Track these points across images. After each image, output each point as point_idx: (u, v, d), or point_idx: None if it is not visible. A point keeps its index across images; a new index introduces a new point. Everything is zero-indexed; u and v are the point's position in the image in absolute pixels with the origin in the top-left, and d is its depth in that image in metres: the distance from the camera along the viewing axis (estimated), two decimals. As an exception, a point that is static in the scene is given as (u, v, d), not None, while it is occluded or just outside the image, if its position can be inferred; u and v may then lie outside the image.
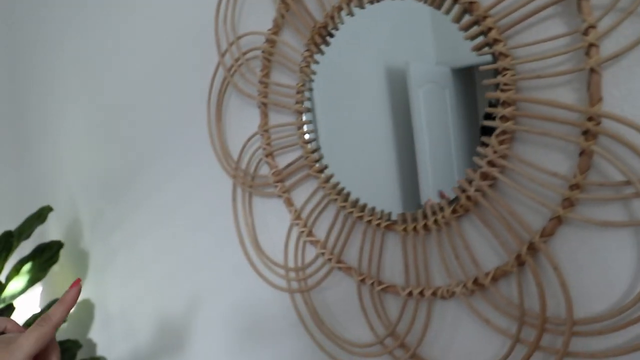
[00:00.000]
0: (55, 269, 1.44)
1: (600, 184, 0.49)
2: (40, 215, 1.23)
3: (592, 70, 0.48)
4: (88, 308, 1.50)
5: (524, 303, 0.56)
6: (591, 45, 0.47)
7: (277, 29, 0.78)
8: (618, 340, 0.51)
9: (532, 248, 0.54)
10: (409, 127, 0.76)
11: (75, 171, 1.45)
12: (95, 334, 1.50)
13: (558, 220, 0.53)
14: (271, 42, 0.79)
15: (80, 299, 1.45)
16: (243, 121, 0.88)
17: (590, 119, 0.48)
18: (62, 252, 1.30)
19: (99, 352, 1.49)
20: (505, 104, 0.54)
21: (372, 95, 0.75)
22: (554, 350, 0.55)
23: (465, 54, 0.71)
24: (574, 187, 0.51)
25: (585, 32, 0.47)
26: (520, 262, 0.56)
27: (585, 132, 0.49)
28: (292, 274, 0.84)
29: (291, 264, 0.83)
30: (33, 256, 1.25)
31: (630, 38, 0.47)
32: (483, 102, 0.72)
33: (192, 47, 0.93)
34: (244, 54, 0.83)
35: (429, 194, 0.68)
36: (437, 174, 0.73)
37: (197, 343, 1.08)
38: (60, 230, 1.53)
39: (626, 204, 0.49)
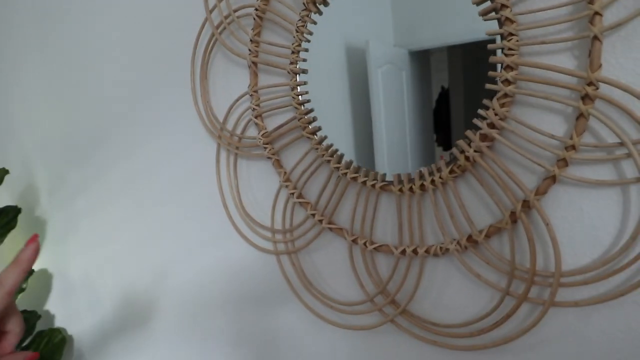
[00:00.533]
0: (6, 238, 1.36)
1: (594, 146, 0.53)
2: (-5, 178, 1.15)
3: (594, 38, 0.51)
4: (45, 278, 1.43)
5: (515, 258, 0.60)
6: (596, 13, 0.50)
7: (271, -14, 0.77)
8: (601, 289, 0.56)
9: (526, 206, 0.58)
10: (367, 105, 0.79)
11: (30, 131, 1.37)
12: (52, 306, 1.44)
13: (552, 180, 0.56)
14: (265, 0, 0.77)
15: (36, 268, 1.39)
16: (230, 81, 0.86)
17: (589, 84, 0.52)
18: (17, 221, 1.23)
19: (58, 323, 1.43)
20: (508, 67, 0.57)
21: (333, 68, 0.77)
22: (541, 301, 0.59)
23: (422, 37, 0.74)
24: (570, 148, 0.54)
25: (591, 1, 0.50)
26: (514, 220, 0.59)
27: (584, 97, 0.52)
28: (279, 236, 0.84)
29: (278, 227, 0.84)
30: (-13, 221, 1.17)
31: (629, 9, 0.50)
32: (437, 85, 0.77)
33: (176, 1, 0.89)
34: (235, 11, 0.81)
35: (384, 169, 0.72)
36: (392, 151, 0.76)
37: (174, 309, 1.06)
38: (13, 195, 1.45)
39: (616, 165, 0.53)
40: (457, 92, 0.80)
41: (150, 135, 1.02)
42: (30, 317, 1.33)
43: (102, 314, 1.29)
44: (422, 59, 0.77)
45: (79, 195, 1.26)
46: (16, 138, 1.41)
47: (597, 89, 0.52)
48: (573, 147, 0.54)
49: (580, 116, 0.53)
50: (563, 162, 0.55)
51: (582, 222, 0.56)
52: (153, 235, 1.08)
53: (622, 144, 0.51)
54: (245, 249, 0.90)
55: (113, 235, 1.19)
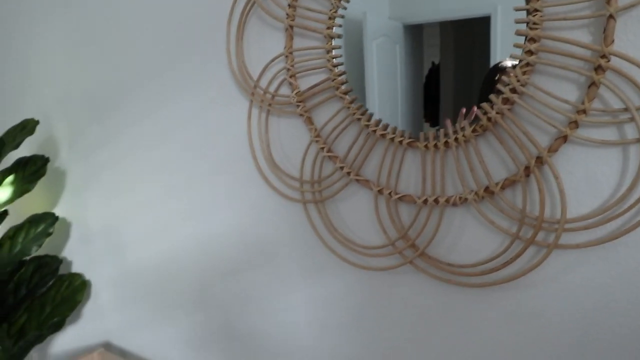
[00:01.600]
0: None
1: (602, 110, 0.62)
2: (25, 127, 1.20)
3: (610, 17, 0.59)
4: (64, 227, 1.50)
5: (526, 206, 0.70)
6: (613, -6, 0.58)
7: (311, -47, 0.82)
8: (599, 233, 0.66)
9: (539, 161, 0.67)
10: (361, 76, 0.85)
11: (49, 85, 1.40)
12: (70, 253, 1.51)
13: (563, 139, 0.65)
14: (304, -34, 0.83)
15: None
16: (265, 43, 0.92)
17: (602, 56, 0.60)
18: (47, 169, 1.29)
19: (75, 269, 1.51)
20: (532, 40, 0.65)
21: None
22: (546, 244, 0.69)
23: (417, 11, 0.79)
24: (581, 112, 0.63)
25: (610, -17, 0.58)
26: (527, 173, 0.69)
27: (597, 67, 0.61)
28: (307, 187, 0.92)
29: (306, 178, 0.92)
30: (15, 168, 1.23)
31: (642, -8, 0.58)
32: (428, 61, 0.84)
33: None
34: (274, -25, 0.86)
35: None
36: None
37: (203, 255, 1.15)
38: (32, 147, 1.49)
39: (620, 128, 0.62)
40: (447, 68, 0.86)
41: (181, 90, 1.08)
42: (53, 262, 1.41)
43: (120, 262, 1.37)
44: (415, 33, 0.84)
45: (101, 147, 1.31)
46: (36, 91, 1.45)
47: (609, 61, 0.60)
48: (584, 112, 0.63)
49: (592, 84, 0.62)
50: (574, 124, 0.64)
51: (586, 177, 0.66)
52: (179, 187, 1.16)
53: (626, 109, 0.60)
54: (273, 199, 0.98)
55: (136, 187, 1.26)
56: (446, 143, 0.74)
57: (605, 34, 0.60)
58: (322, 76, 0.86)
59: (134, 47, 1.15)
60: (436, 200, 0.77)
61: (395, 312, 0.88)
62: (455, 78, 0.84)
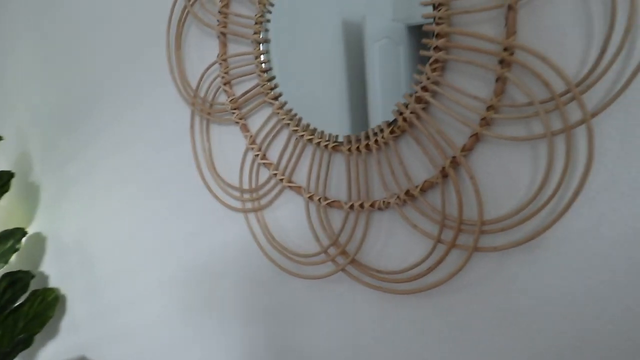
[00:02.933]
0: (2, 202, 1.45)
1: (510, 105, 0.59)
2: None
3: (509, 7, 0.57)
4: (39, 241, 1.51)
5: (445, 209, 0.67)
6: (510, -15, 0.56)
7: (237, -40, 0.82)
8: (516, 235, 0.63)
9: (454, 162, 0.65)
10: (363, 79, 0.82)
11: (24, 103, 1.43)
12: (47, 267, 1.52)
13: (476, 138, 0.63)
14: (231, -27, 0.83)
15: (31, 232, 1.47)
16: (202, 51, 0.92)
17: (505, 49, 0.58)
18: (11, 185, 1.30)
19: (52, 284, 1.52)
20: (439, 35, 0.62)
21: (328, 40, 0.80)
22: (466, 247, 0.66)
23: (420, 11, 0.76)
24: (490, 108, 0.60)
25: (506, -27, 0.56)
26: (444, 175, 0.66)
27: (501, 61, 0.59)
28: (247, 195, 0.91)
29: (246, 186, 0.91)
30: (-19, 185, 1.25)
31: (542, -19, 0.55)
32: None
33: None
34: (205, -17, 0.86)
35: None
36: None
37: (158, 263, 1.14)
38: (8, 162, 1.52)
39: (527, 123, 0.59)
40: None
41: (131, 105, 1.08)
42: (25, 277, 1.42)
43: (93, 273, 1.37)
44: (419, 33, 0.81)
45: (69, 162, 1.33)
46: (11, 109, 1.48)
47: (512, 54, 0.58)
48: (493, 108, 0.60)
49: (499, 79, 0.59)
50: (485, 122, 0.61)
51: (502, 175, 0.63)
52: (139, 197, 1.16)
53: (532, 103, 0.58)
54: (218, 209, 0.97)
55: (101, 199, 1.26)
56: (367, 146, 0.72)
57: (507, 26, 0.57)
58: (254, 82, 0.86)
59: (92, 62, 1.16)
60: (362, 205, 0.75)
61: (331, 320, 0.85)
62: None
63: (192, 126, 0.96)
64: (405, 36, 0.80)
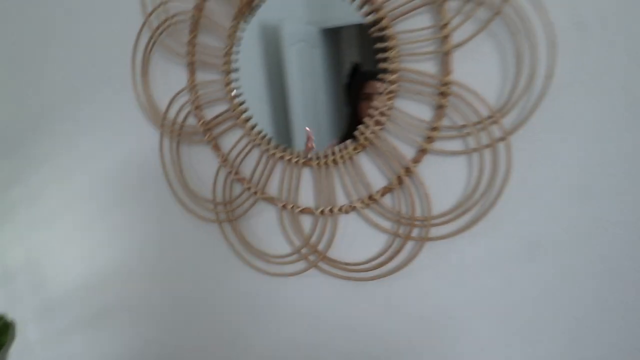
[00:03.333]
0: None
1: (449, 127, 0.77)
2: None
3: (446, 53, 0.74)
4: (-21, 267, 1.46)
5: (401, 209, 0.83)
6: (446, 36, 0.73)
7: (204, -2, 0.92)
8: (454, 226, 0.80)
9: (407, 171, 0.81)
10: (283, 82, 0.91)
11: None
12: (-12, 292, 1.48)
13: (424, 152, 0.80)
14: (199, 8, 0.92)
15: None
16: (169, 78, 1.00)
17: (444, 84, 0.75)
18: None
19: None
20: (392, 72, 0.78)
21: (251, 51, 0.89)
22: (419, 238, 0.83)
23: (333, 15, 0.85)
24: (434, 129, 0.77)
25: (443, 27, 0.73)
26: (400, 181, 0.82)
27: (441, 93, 0.76)
28: (220, 208, 1.01)
29: (219, 200, 1.01)
30: None
31: (468, 33, 0.73)
32: (347, 61, 0.89)
33: (116, 4, 1.00)
34: (172, 16, 0.94)
35: (302, 144, 0.89)
36: (309, 126, 0.90)
37: (119, 285, 1.19)
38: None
39: (464, 140, 0.77)
40: (368, 68, 0.92)
41: (92, 125, 1.12)
42: (-30, 305, 1.37)
43: (45, 296, 1.37)
44: (333, 36, 0.89)
45: (13, 184, 1.31)
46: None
47: (449, 87, 0.75)
48: (436, 128, 0.77)
49: (440, 107, 0.77)
50: (430, 139, 0.78)
51: (444, 180, 0.80)
52: (96, 216, 1.19)
53: (465, 125, 0.75)
54: (190, 221, 1.06)
55: (55, 219, 1.27)
56: (334, 160, 0.86)
57: (445, 66, 0.75)
58: (225, 106, 0.96)
59: (44, 83, 1.17)
60: (331, 210, 0.89)
61: (307, 309, 0.98)
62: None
63: (161, 147, 1.04)
64: (320, 39, 0.92)
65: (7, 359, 1.48)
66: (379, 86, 0.83)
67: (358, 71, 0.89)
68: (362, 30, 0.83)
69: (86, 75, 1.10)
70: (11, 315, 1.46)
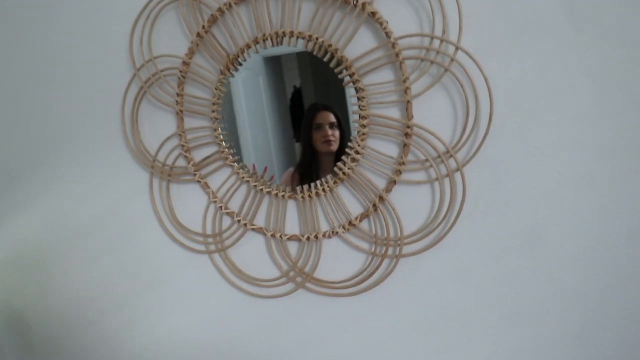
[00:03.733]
0: None
1: (414, 161, 0.93)
2: None
3: (408, 102, 0.90)
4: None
5: (377, 232, 0.98)
6: (407, 88, 0.89)
7: (191, 54, 1.03)
8: (423, 244, 0.96)
9: (381, 199, 0.96)
10: (231, 110, 1.01)
11: None
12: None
13: (393, 183, 0.95)
14: (186, 64, 1.03)
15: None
16: (158, 124, 1.09)
17: (408, 126, 0.91)
18: None
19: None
20: (363, 117, 0.93)
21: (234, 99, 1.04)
22: (394, 255, 0.98)
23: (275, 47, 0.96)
24: (401, 163, 0.93)
25: (404, 81, 0.89)
26: (375, 208, 0.97)
27: (406, 134, 0.91)
28: (210, 239, 1.11)
29: (209, 232, 1.11)
30: None
31: (425, 85, 0.90)
32: (289, 85, 1.04)
33: (107, 58, 1.09)
34: (162, 70, 1.05)
35: (250, 166, 1.03)
36: (258, 150, 1.04)
37: (122, 312, 1.25)
38: None
39: (427, 171, 0.93)
40: (308, 90, 1.04)
41: (79, 166, 1.18)
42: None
43: (29, 338, 1.39)
44: (274, 63, 1.03)
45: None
46: None
47: (411, 129, 0.91)
48: (403, 163, 0.93)
49: (405, 145, 0.92)
50: (398, 172, 0.94)
51: (412, 205, 0.96)
52: (82, 259, 1.25)
53: (427, 160, 0.91)
54: (181, 253, 1.15)
55: (34, 265, 1.30)
56: (317, 193, 1.00)
57: (407, 112, 0.91)
58: (213, 149, 1.07)
59: (32, 125, 1.20)
60: (316, 236, 1.02)
61: (297, 325, 1.10)
62: (317, 98, 1.04)
63: (151, 187, 1.13)
64: (262, 67, 1.04)
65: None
66: (329, 116, 1.00)
67: (300, 94, 1.04)
68: (300, 56, 1.00)
69: (75, 119, 1.16)
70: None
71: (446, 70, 0.87)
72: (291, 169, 1.05)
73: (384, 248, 0.98)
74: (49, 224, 1.25)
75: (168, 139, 1.09)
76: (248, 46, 0.98)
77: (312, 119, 1.03)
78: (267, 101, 1.05)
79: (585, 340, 0.95)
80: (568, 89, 0.85)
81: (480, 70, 0.85)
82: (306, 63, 1.01)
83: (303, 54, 0.97)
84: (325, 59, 0.94)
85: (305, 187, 1.01)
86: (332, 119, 1.00)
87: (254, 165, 1.04)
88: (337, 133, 1.00)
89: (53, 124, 1.17)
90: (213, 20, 0.99)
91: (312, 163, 1.04)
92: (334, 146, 1.00)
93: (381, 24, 0.88)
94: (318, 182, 1.00)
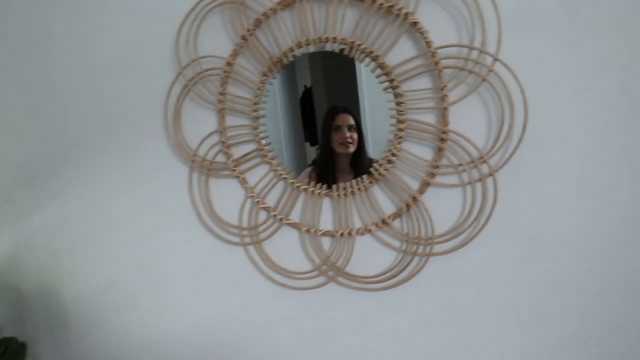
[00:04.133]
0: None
1: (447, 165, 0.97)
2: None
3: (444, 109, 0.94)
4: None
5: (409, 230, 1.03)
6: (445, 95, 0.93)
7: (235, 55, 1.08)
8: (453, 244, 1.01)
9: (414, 199, 1.01)
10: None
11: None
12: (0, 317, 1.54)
13: (427, 185, 1.00)
14: (230, 64, 1.08)
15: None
16: (199, 121, 1.15)
17: (443, 132, 0.95)
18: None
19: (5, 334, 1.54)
20: (400, 122, 0.98)
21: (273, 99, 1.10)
22: (424, 254, 1.03)
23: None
24: (435, 167, 0.98)
25: (442, 89, 0.93)
26: (407, 208, 1.02)
27: (441, 139, 0.96)
28: (246, 232, 1.16)
29: (245, 225, 1.16)
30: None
31: (461, 93, 0.94)
32: (300, 85, 1.07)
33: (154, 57, 1.14)
34: (206, 70, 1.10)
35: None
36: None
37: (158, 297, 1.31)
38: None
39: (459, 175, 0.98)
40: (319, 90, 1.08)
41: (122, 159, 1.24)
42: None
43: (62, 322, 1.45)
44: (288, 69, 1.05)
45: (34, 213, 1.39)
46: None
47: (447, 134, 0.95)
48: (437, 166, 0.98)
49: (440, 150, 0.97)
50: (432, 175, 0.98)
51: (444, 207, 1.00)
52: (123, 246, 1.31)
53: (461, 164, 0.96)
54: (216, 245, 1.20)
55: (77, 249, 1.37)
56: (352, 191, 1.05)
57: (443, 118, 0.95)
58: (252, 146, 1.12)
59: (70, 118, 1.26)
60: (349, 233, 1.07)
61: (327, 317, 1.16)
62: (328, 98, 1.07)
63: (190, 180, 1.18)
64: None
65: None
66: (348, 118, 1.05)
67: (310, 94, 1.08)
68: (312, 57, 1.04)
69: (117, 114, 1.21)
70: (21, 339, 1.52)
71: (483, 80, 0.91)
72: (309, 169, 1.10)
73: (415, 246, 1.03)
74: (93, 210, 1.31)
75: (209, 135, 1.14)
76: (291, 49, 1.03)
77: (331, 120, 1.07)
78: (280, 101, 1.09)
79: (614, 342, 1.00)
80: (604, 103, 0.89)
81: (517, 81, 0.89)
82: (317, 63, 1.05)
83: (315, 54, 1.02)
84: (365, 65, 0.99)
85: (341, 185, 1.06)
86: (351, 121, 1.05)
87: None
88: (355, 135, 1.05)
89: (100, 118, 1.23)
90: (257, 23, 1.04)
91: (329, 163, 1.08)
92: (352, 148, 1.05)
93: (422, 33, 0.93)
94: (354, 181, 1.05)
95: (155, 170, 1.22)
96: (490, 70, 0.90)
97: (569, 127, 0.91)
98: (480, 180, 0.96)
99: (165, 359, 1.35)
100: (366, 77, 1.01)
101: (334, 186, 1.06)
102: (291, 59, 1.04)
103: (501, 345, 1.05)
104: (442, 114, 0.95)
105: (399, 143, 0.99)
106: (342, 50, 0.99)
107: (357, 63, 1.00)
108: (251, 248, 1.18)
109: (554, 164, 0.93)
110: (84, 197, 1.32)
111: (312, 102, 1.08)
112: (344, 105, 1.06)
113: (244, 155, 1.12)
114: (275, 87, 1.08)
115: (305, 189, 1.08)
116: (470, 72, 0.92)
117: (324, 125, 1.07)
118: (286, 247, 1.15)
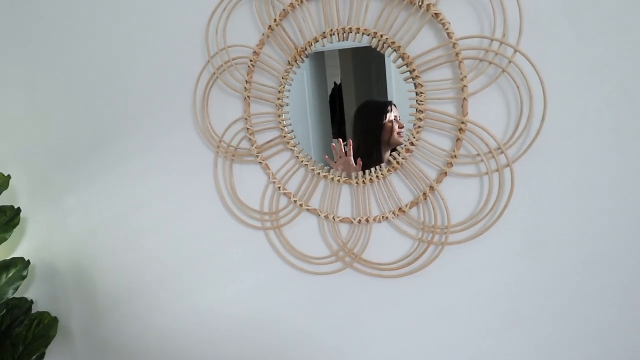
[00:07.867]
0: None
1: (465, 155, 0.99)
2: (-3, 182, 1.34)
3: (464, 99, 0.96)
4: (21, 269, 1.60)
5: (425, 219, 1.04)
6: (464, 86, 0.95)
7: (262, 45, 1.12)
8: (468, 233, 1.02)
9: (431, 188, 1.02)
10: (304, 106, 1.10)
11: (5, 138, 1.51)
12: (31, 293, 1.62)
13: (444, 174, 1.01)
14: (257, 53, 1.12)
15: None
16: (225, 108, 1.19)
17: (462, 122, 0.97)
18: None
19: (38, 309, 1.62)
20: (419, 111, 1.00)
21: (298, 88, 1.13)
22: (440, 242, 1.04)
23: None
24: (452, 156, 0.99)
25: (462, 79, 0.95)
26: (425, 197, 1.03)
27: (459, 129, 0.97)
28: (267, 217, 1.20)
29: (266, 210, 1.20)
30: (-11, 220, 1.36)
31: (481, 84, 0.95)
32: (330, 82, 1.10)
33: (183, 46, 1.19)
34: (233, 59, 1.14)
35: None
36: (299, 143, 1.11)
37: (183, 280, 1.37)
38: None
39: (477, 165, 0.99)
40: (349, 87, 1.12)
41: (151, 143, 1.30)
42: (21, 303, 1.52)
43: (94, 300, 1.53)
44: (318, 59, 1.09)
45: (68, 194, 1.47)
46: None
47: (465, 124, 0.97)
48: (455, 156, 0.99)
49: (458, 140, 0.98)
50: (449, 164, 1.00)
51: (461, 197, 1.02)
52: (150, 226, 1.37)
53: (478, 154, 0.97)
54: (238, 228, 1.24)
55: (110, 228, 1.44)
56: (370, 179, 1.07)
57: (463, 108, 0.96)
58: (275, 133, 1.15)
59: (106, 103, 1.33)
60: (366, 220, 1.10)
61: (343, 302, 1.18)
62: (357, 95, 1.09)
63: (215, 165, 1.23)
64: (307, 62, 1.08)
65: (50, 355, 1.62)
66: (395, 111, 1.06)
67: (340, 91, 1.09)
68: (342, 53, 1.05)
69: (148, 99, 1.27)
70: (53, 314, 1.60)
71: (503, 71, 0.92)
72: (349, 158, 1.12)
73: (431, 235, 1.04)
74: (121, 193, 1.38)
75: (235, 122, 1.18)
76: (315, 40, 1.06)
77: (385, 113, 1.08)
78: (310, 96, 1.13)
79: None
80: (628, 96, 0.88)
81: (537, 73, 0.90)
82: (348, 60, 1.07)
83: (345, 50, 1.05)
84: (388, 56, 1.01)
85: (360, 173, 1.08)
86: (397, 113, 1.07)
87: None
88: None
89: (130, 104, 1.29)
90: (284, 14, 1.07)
91: (374, 152, 1.11)
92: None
93: (444, 24, 0.94)
94: (372, 169, 1.07)
95: (184, 154, 1.27)
96: (510, 62, 0.91)
97: (590, 120, 0.91)
98: (497, 170, 0.97)
99: (191, 338, 1.40)
100: (395, 74, 1.03)
101: (352, 174, 1.09)
102: (315, 49, 1.07)
103: (516, 333, 1.06)
104: (462, 104, 0.96)
105: (417, 132, 1.01)
106: (367, 45, 1.01)
107: (386, 60, 1.02)
108: (271, 232, 1.22)
109: (573, 157, 0.93)
110: (117, 179, 1.38)
111: (341, 99, 1.10)
112: (386, 101, 1.07)
113: (267, 142, 1.16)
114: (305, 82, 1.11)
115: (325, 176, 1.11)
116: (491, 63, 0.93)
117: (374, 116, 1.08)
118: (305, 233, 1.18)
